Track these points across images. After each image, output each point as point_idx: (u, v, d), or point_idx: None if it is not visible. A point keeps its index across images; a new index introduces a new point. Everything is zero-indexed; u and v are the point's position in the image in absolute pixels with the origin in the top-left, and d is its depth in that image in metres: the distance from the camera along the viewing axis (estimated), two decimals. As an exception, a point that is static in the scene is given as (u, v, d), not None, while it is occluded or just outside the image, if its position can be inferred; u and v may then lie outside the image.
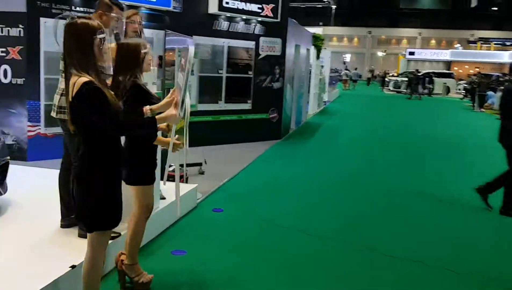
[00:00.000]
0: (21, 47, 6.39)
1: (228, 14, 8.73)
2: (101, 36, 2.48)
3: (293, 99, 11.85)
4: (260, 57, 9.52)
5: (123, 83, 3.01)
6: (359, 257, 4.12)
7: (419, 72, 30.04)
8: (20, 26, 6.37)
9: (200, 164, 6.76)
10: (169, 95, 2.96)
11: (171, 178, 5.59)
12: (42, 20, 6.47)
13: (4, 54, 6.41)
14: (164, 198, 4.60)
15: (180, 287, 3.40)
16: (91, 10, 6.94)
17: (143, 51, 3.07)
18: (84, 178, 2.47)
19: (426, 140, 11.62)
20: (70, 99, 2.41)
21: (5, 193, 4.01)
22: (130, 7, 6.99)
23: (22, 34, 6.38)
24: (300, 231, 4.66)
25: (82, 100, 2.37)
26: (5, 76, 6.45)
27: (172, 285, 3.42)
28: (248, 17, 9.06)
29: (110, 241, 3.26)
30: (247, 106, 9.53)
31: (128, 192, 3.19)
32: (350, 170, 7.64)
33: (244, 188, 6.14)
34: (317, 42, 15.89)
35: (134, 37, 4.33)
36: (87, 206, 2.48)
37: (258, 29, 9.36)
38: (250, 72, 9.42)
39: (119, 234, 3.61)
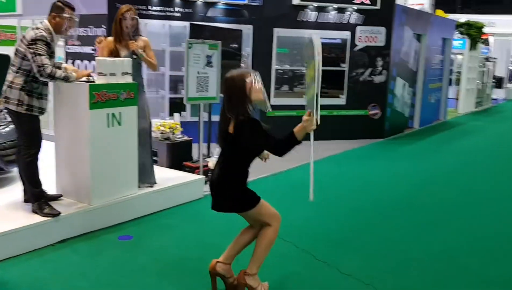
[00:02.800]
0: (103, 45, 7.26)
1: (315, 4, 8.32)
2: None
3: (413, 95, 10.64)
4: (357, 48, 8.82)
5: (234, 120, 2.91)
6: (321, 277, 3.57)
7: None
8: (103, 26, 7.24)
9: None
10: None
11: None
12: (121, 20, 7.24)
13: (93, 51, 7.39)
14: (151, 186, 4.75)
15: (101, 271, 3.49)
16: (169, 9, 7.50)
17: (247, 80, 2.88)
18: None
19: None
20: None
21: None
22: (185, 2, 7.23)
23: (105, 34, 7.24)
24: (285, 241, 4.18)
25: None
26: (94, 70, 7.43)
27: (99, 270, 3.53)
28: (340, 5, 8.47)
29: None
30: (340, 101, 8.95)
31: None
32: (425, 193, 5.90)
33: (271, 188, 5.81)
34: (471, 30, 13.86)
35: (129, 32, 4.54)
36: None
37: (354, 18, 8.68)
38: (343, 65, 8.81)
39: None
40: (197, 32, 5.61)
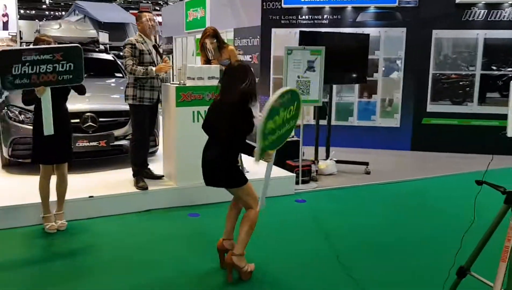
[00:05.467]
0: (258, 53, 8.18)
1: (485, 1, 7.38)
2: None
3: None
4: (543, 48, 7.40)
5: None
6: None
7: None
8: (258, 37, 8.15)
9: (366, 164, 6.56)
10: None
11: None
12: (273, 30, 8.02)
13: (250, 59, 8.40)
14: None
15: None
16: (317, 16, 7.95)
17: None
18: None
19: None
20: None
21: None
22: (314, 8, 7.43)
23: (258, 43, 8.15)
24: (327, 240, 4.25)
25: None
26: (251, 76, 8.44)
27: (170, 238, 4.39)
28: (519, 0, 7.28)
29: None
30: (516, 110, 7.65)
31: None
32: None
33: (376, 196, 5.62)
34: None
35: (212, 53, 5.22)
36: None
37: (539, 13, 7.32)
38: (522, 69, 7.52)
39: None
40: (307, 39, 5.88)
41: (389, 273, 3.63)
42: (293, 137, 6.50)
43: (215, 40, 5.22)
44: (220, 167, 3.39)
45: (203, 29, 5.53)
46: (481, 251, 2.54)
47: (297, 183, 5.73)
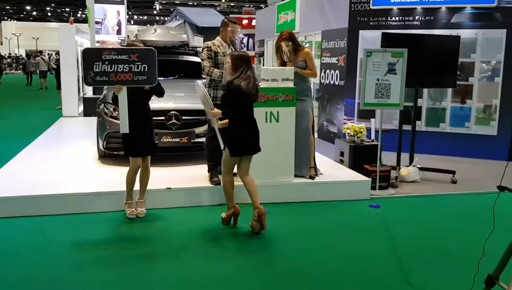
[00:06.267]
0: (344, 55, 8.06)
1: None
2: None
3: None
4: None
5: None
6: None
7: None
8: (345, 39, 8.03)
9: (453, 172, 6.17)
10: None
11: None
12: (361, 32, 7.86)
13: (336, 62, 8.31)
14: (312, 178, 5.37)
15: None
16: (408, 18, 7.68)
17: None
18: None
19: None
20: None
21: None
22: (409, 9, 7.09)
23: (345, 45, 8.03)
24: (392, 245, 4.11)
25: None
26: (337, 79, 8.35)
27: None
28: None
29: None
30: None
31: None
32: None
33: (457, 206, 5.27)
34: None
35: (287, 56, 5.27)
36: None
37: None
38: None
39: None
40: (390, 41, 5.69)
41: (453, 282, 3.43)
42: (372, 141, 6.37)
43: (290, 43, 5.29)
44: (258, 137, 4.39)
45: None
46: (508, 260, 2.42)
47: (374, 188, 5.59)
